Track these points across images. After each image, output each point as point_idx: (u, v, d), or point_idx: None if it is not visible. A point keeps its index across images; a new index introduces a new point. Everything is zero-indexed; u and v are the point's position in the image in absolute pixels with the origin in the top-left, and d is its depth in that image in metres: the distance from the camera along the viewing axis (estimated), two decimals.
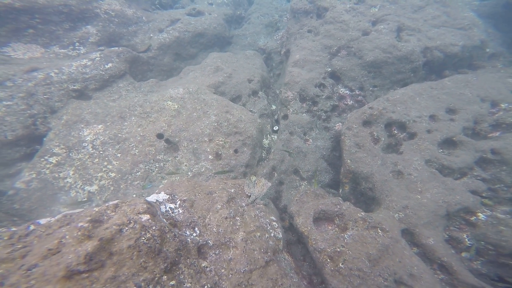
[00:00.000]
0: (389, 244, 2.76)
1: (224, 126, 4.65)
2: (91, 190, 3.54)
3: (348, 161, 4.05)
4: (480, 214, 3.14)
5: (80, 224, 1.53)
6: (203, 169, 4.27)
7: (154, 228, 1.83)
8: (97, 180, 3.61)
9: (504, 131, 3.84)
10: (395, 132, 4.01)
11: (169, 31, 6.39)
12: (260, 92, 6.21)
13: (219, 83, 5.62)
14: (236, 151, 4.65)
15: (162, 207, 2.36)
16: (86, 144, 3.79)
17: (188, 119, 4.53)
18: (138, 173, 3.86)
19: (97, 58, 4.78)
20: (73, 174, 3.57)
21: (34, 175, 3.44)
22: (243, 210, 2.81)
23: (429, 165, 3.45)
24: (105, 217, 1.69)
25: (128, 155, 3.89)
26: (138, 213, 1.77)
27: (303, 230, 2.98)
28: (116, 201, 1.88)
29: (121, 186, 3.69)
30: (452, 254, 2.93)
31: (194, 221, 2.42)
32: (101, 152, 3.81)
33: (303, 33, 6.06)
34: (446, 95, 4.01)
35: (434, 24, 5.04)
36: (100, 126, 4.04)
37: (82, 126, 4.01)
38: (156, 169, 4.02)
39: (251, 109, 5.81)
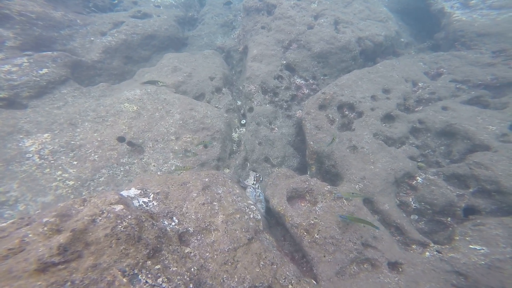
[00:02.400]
0: (354, 211, 3.14)
1: (190, 123, 4.62)
2: (46, 201, 3.15)
3: (311, 142, 4.48)
4: (418, 178, 3.68)
5: (45, 220, 1.42)
6: (173, 167, 4.18)
7: (129, 217, 1.80)
8: (52, 190, 3.23)
9: (424, 105, 4.78)
10: (347, 112, 4.60)
11: (114, 34, 6.01)
12: (224, 89, 6.32)
13: (180, 83, 5.54)
14: (205, 146, 4.66)
15: (135, 201, 2.30)
16: (31, 155, 3.34)
17: (150, 120, 4.37)
18: (102, 179, 3.57)
19: (24, 64, 4.22)
20: (18, 187, 3.12)
21: None
22: (220, 196, 2.90)
23: (376, 138, 4.07)
24: (73, 211, 1.60)
25: (86, 161, 3.57)
26: (110, 204, 1.72)
27: (279, 209, 3.21)
28: (83, 196, 1.77)
29: (83, 193, 3.38)
30: (403, 217, 3.44)
31: (171, 211, 2.42)
32: (52, 161, 3.41)
33: (258, 30, 6.41)
34: (380, 78, 4.79)
35: (361, 17, 5.94)
36: (46, 135, 3.61)
37: (21, 136, 3.52)
38: (122, 173, 3.78)
39: (217, 105, 5.88)
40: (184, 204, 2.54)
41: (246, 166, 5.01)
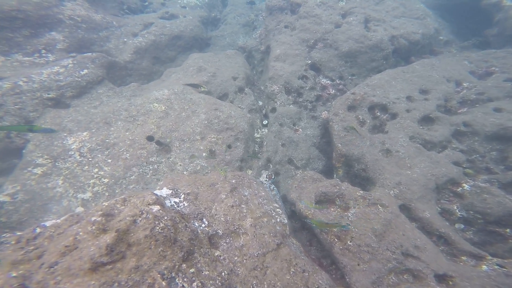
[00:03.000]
0: (391, 219, 2.92)
1: (215, 123, 4.66)
2: (85, 198, 3.36)
3: (339, 145, 4.29)
4: (464, 184, 3.37)
5: (93, 219, 1.48)
6: (199, 167, 4.25)
7: (166, 218, 1.83)
8: (90, 187, 3.44)
9: (470, 107, 4.34)
10: (378, 114, 4.33)
11: (144, 35, 6.26)
12: (246, 89, 6.31)
13: (204, 83, 5.62)
14: (229, 146, 4.68)
15: (167, 201, 2.35)
16: (73, 152, 3.59)
17: (177, 119, 4.47)
18: (132, 177, 3.73)
19: (69, 65, 4.54)
20: (62, 183, 3.36)
21: (18, 187, 3.19)
22: (247, 198, 2.87)
23: (413, 141, 3.78)
24: (116, 211, 1.66)
25: (119, 159, 3.75)
26: (148, 204, 1.75)
27: (307, 213, 3.10)
28: (123, 196, 1.84)
29: (116, 191, 3.55)
30: (447, 225, 3.17)
31: (201, 213, 2.43)
32: (90, 159, 3.63)
33: (281, 29, 6.29)
34: (417, 77, 4.44)
35: (395, 15, 5.55)
36: (85, 133, 3.85)
37: (65, 134, 3.79)
38: (151, 171, 3.92)
39: (239, 105, 5.89)
40: (213, 206, 2.54)
41: (269, 167, 4.94)
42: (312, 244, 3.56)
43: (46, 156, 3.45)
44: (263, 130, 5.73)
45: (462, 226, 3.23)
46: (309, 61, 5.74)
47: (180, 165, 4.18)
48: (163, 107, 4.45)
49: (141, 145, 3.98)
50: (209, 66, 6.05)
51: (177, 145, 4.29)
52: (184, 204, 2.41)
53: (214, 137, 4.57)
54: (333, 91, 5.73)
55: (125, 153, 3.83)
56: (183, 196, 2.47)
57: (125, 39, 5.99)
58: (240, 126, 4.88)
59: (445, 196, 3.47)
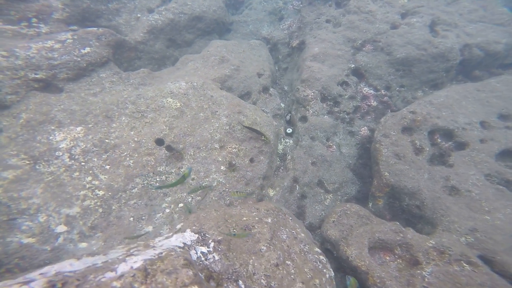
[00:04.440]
0: (492, 285, 2.30)
1: (237, 130, 4.01)
2: (71, 214, 2.72)
3: (386, 173, 3.68)
4: None
5: None
6: (215, 183, 3.62)
7: None
8: (79, 200, 2.79)
9: None
10: (439, 140, 3.71)
11: (161, 11, 5.50)
12: (271, 89, 5.63)
13: (226, 77, 4.94)
14: (252, 160, 4.05)
15: (192, 252, 1.72)
16: (61, 153, 2.92)
17: (193, 121, 3.82)
18: (135, 190, 3.10)
19: (68, 40, 3.81)
20: (42, 193, 2.71)
21: None
22: (288, 247, 2.25)
23: (490, 181, 3.18)
24: None
25: (120, 167, 3.10)
26: (185, 286, 1.14)
27: (359, 264, 2.51)
28: (141, 262, 1.21)
29: (113, 207, 2.92)
30: None
31: (235, 271, 1.81)
32: (82, 163, 2.97)
33: (321, 23, 5.58)
34: (496, 98, 3.79)
35: (471, 19, 4.85)
36: (79, 129, 3.18)
37: (53, 128, 3.11)
38: (157, 184, 3.28)
39: (263, 108, 5.23)
40: (250, 260, 1.92)
41: (295, 189, 4.33)
42: None
43: (23, 156, 2.78)
44: (286, 140, 5.09)
45: None
46: (353, 65, 5.06)
47: (194, 178, 3.54)
48: (178, 104, 3.78)
49: (148, 149, 3.33)
50: (233, 58, 5.35)
51: (191, 153, 3.64)
52: (214, 256, 1.79)
53: (235, 147, 3.92)
54: (375, 102, 5.08)
55: (128, 158, 3.18)
56: (212, 244, 1.84)
57: (139, 15, 5.25)
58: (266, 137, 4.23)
59: None
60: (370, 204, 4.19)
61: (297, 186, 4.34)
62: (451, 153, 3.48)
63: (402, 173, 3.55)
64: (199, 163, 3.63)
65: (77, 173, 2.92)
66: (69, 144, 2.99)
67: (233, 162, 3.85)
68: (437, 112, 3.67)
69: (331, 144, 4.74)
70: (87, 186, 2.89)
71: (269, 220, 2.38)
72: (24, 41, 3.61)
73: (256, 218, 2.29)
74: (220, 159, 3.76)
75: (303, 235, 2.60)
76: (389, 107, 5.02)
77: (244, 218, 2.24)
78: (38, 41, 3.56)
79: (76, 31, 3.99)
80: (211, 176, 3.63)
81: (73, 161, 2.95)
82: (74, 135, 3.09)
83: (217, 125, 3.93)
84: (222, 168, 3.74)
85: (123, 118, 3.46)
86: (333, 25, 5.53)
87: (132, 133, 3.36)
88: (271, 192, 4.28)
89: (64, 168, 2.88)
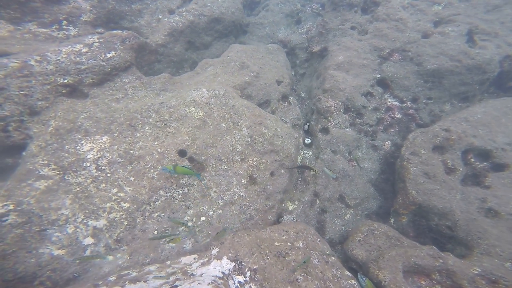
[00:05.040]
0: None
1: (258, 143, 4.00)
2: (97, 226, 2.78)
3: (414, 192, 3.62)
4: None
5: None
6: (236, 197, 3.63)
7: None
8: (105, 213, 2.85)
9: None
10: (472, 160, 3.61)
11: (182, 13, 5.51)
12: (290, 97, 5.60)
13: (246, 84, 4.92)
14: (272, 173, 4.04)
15: (231, 282, 1.74)
16: (88, 164, 2.98)
17: (215, 132, 3.83)
18: (158, 202, 3.14)
19: (95, 44, 3.87)
20: (70, 204, 2.78)
21: (11, 207, 2.62)
22: (321, 273, 2.24)
23: None
24: None
25: (144, 178, 3.14)
26: None
27: None
28: None
29: (138, 220, 2.97)
30: None
31: None
32: (108, 174, 3.03)
33: (346, 30, 5.49)
34: None
35: None
36: (105, 138, 3.23)
37: (80, 137, 3.18)
38: (180, 196, 3.32)
39: (282, 118, 5.21)
40: None
41: (315, 203, 4.31)
42: None
43: (53, 166, 2.84)
44: (305, 151, 5.06)
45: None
46: (378, 75, 4.97)
47: (215, 191, 3.56)
48: (200, 114, 3.80)
49: (171, 161, 3.36)
50: (252, 64, 5.33)
51: (213, 165, 3.66)
52: (251, 287, 1.80)
53: (256, 160, 3.92)
54: (399, 115, 4.98)
55: (152, 170, 3.22)
56: (249, 274, 1.85)
57: (160, 16, 5.27)
58: (286, 150, 4.21)
59: None
60: (392, 220, 4.14)
61: (317, 200, 4.32)
62: (487, 174, 3.39)
63: (432, 192, 3.48)
64: (220, 176, 3.65)
65: (104, 185, 2.97)
66: (96, 155, 3.05)
67: (254, 176, 3.85)
68: (473, 131, 3.57)
69: (352, 158, 4.68)
70: (113, 198, 2.95)
71: (301, 245, 2.37)
72: (54, 44, 3.67)
73: (288, 244, 2.29)
74: (241, 172, 3.77)
75: (333, 258, 2.58)
76: (414, 120, 4.92)
77: (276, 244, 2.24)
78: (68, 45, 3.62)
79: (102, 34, 4.04)
80: (232, 190, 3.65)
81: (99, 172, 3.00)
82: (101, 146, 3.14)
83: (238, 136, 3.93)
84: (243, 181, 3.75)
85: (147, 128, 3.50)
86: (358, 32, 5.43)
87: (155, 143, 3.40)
88: (290, 206, 4.27)
89: (91, 179, 2.94)
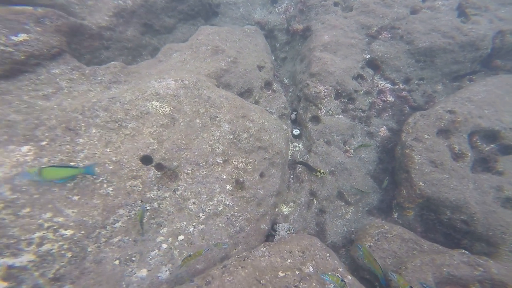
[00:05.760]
0: None
1: (243, 140, 3.40)
2: (16, 264, 1.98)
3: (420, 183, 3.33)
4: None
5: None
6: (221, 207, 3.01)
7: None
8: (32, 245, 2.05)
9: None
10: (478, 143, 3.41)
11: None
12: (274, 84, 5.05)
13: (222, 71, 4.24)
14: (262, 174, 3.48)
15: None
16: None
17: (188, 130, 3.13)
18: (118, 224, 2.40)
19: None
20: None
21: None
22: None
23: None
24: None
25: (94, 196, 2.36)
26: None
27: None
28: None
29: (89, 249, 2.21)
30: None
31: None
32: (35, 196, 2.20)
33: (328, 6, 5.05)
34: None
35: (503, 1, 4.58)
36: (25, 149, 2.36)
37: None
38: (148, 213, 2.60)
39: (267, 108, 4.64)
40: None
41: (313, 204, 3.85)
42: None
43: None
44: (294, 144, 4.58)
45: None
46: (368, 56, 4.62)
47: (194, 202, 2.89)
48: (167, 109, 3.06)
49: (132, 171, 2.61)
50: (228, 47, 4.63)
51: (189, 171, 2.97)
52: None
53: (242, 161, 3.31)
54: (392, 98, 4.73)
55: (105, 185, 2.45)
56: None
57: None
58: (276, 145, 3.67)
59: None
60: (396, 215, 3.87)
61: (314, 200, 3.87)
62: (497, 158, 3.20)
63: (441, 183, 3.21)
64: (199, 184, 2.98)
65: (28, 209, 2.15)
66: (8, 172, 2.18)
67: (241, 179, 3.25)
68: (478, 111, 3.36)
69: (348, 148, 4.31)
70: (46, 225, 2.14)
71: (311, 269, 1.86)
72: None
73: (297, 272, 1.75)
74: (225, 177, 3.14)
75: (349, 277, 2.11)
76: (407, 103, 4.69)
77: (281, 274, 1.70)
78: None
79: None
80: (215, 199, 3.01)
81: (18, 193, 2.16)
82: (17, 159, 2.27)
83: (218, 134, 3.28)
84: (228, 187, 3.13)
85: (93, 131, 2.68)
86: (342, 8, 5.03)
87: (107, 150, 2.61)
88: (284, 209, 3.77)
89: (3, 205, 2.09)
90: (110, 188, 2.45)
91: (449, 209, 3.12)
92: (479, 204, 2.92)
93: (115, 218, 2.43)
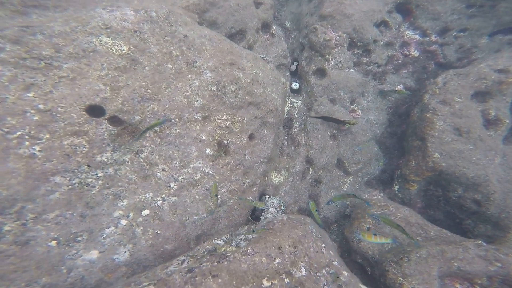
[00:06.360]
0: None
1: (230, 93, 2.62)
2: None
3: (436, 155, 2.72)
4: None
5: None
6: (198, 175, 2.41)
7: None
8: None
9: None
10: None
11: None
12: (274, 26, 4.00)
13: (207, 4, 3.19)
14: (251, 136, 2.80)
15: None
16: None
17: (157, 77, 2.31)
18: (53, 196, 1.82)
19: None
20: None
21: None
22: None
23: None
24: None
25: (10, 158, 1.71)
26: None
27: None
28: None
29: (5, 228, 1.67)
30: None
31: None
32: None
33: None
34: None
35: None
36: None
37: None
38: (100, 182, 2.00)
39: (263, 56, 3.71)
40: None
41: (308, 173, 3.28)
42: None
43: None
44: (292, 100, 3.79)
45: None
46: None
47: (164, 169, 2.27)
48: (124, 48, 2.18)
49: (73, 124, 1.90)
50: None
51: (157, 128, 2.27)
52: None
53: (227, 119, 2.59)
54: (417, 52, 3.81)
55: (27, 143, 1.77)
56: None
57: None
58: (271, 101, 2.90)
59: None
60: (396, 188, 3.40)
61: (310, 169, 3.30)
62: None
63: (461, 155, 2.61)
64: (171, 145, 2.32)
65: None
66: None
67: (225, 142, 2.58)
68: None
69: (355, 108, 3.57)
70: None
71: (303, 272, 1.37)
72: None
73: (286, 281, 1.22)
74: (204, 137, 2.47)
75: (346, 273, 1.63)
76: (434, 59, 3.80)
77: (265, 283, 1.19)
78: None
79: None
80: (191, 165, 2.39)
81: None
82: None
83: (197, 83, 2.48)
84: (208, 151, 2.48)
85: (7, 73, 1.86)
86: None
87: (30, 94, 1.84)
88: (275, 179, 3.22)
89: None
90: (37, 148, 1.77)
91: (462, 186, 2.61)
92: (501, 183, 2.40)
93: (48, 189, 1.81)
